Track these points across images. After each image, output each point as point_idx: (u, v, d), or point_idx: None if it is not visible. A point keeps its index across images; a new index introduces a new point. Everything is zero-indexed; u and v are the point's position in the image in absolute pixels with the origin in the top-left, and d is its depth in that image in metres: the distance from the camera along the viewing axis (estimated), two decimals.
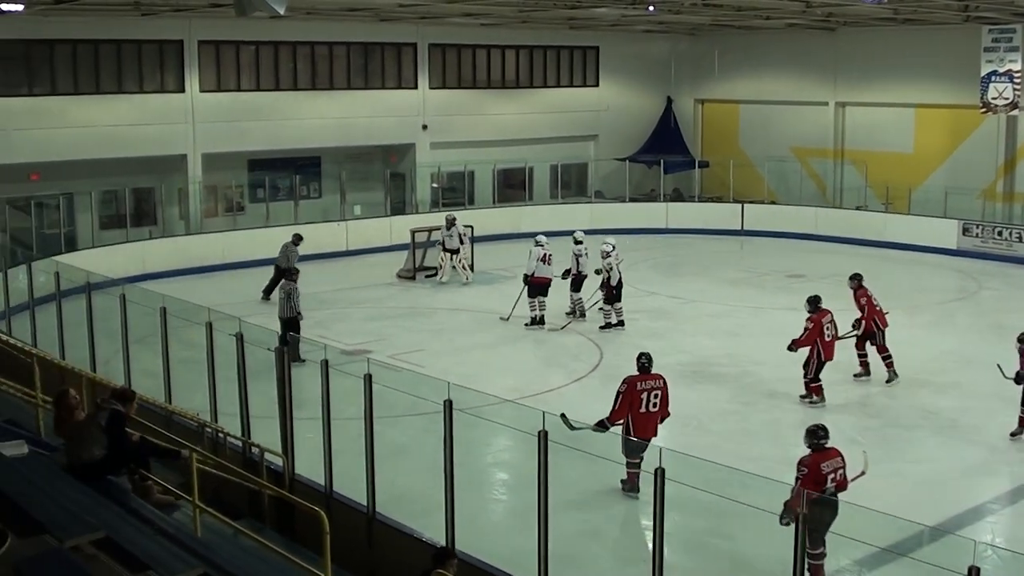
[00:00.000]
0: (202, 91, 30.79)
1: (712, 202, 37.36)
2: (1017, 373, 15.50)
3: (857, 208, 34.82)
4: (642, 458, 13.08)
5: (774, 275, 28.17)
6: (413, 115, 35.00)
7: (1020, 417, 15.63)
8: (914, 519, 11.37)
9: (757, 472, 11.32)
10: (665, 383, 13.76)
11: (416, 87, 35.10)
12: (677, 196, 38.62)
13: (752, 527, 11.48)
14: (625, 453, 13.27)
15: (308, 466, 12.47)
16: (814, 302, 17.38)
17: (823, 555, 10.57)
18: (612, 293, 21.79)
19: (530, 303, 22.23)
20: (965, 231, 31.26)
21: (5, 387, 13.46)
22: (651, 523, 8.87)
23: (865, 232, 32.88)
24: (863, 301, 18.33)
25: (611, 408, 13.53)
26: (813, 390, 17.27)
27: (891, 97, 35.01)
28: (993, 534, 12.87)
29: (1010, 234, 30.45)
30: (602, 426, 13.40)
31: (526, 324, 22.15)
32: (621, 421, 13.47)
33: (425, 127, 35.13)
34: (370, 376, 11.24)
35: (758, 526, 10.76)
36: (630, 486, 13.48)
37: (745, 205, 35.56)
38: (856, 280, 18.65)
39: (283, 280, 20.67)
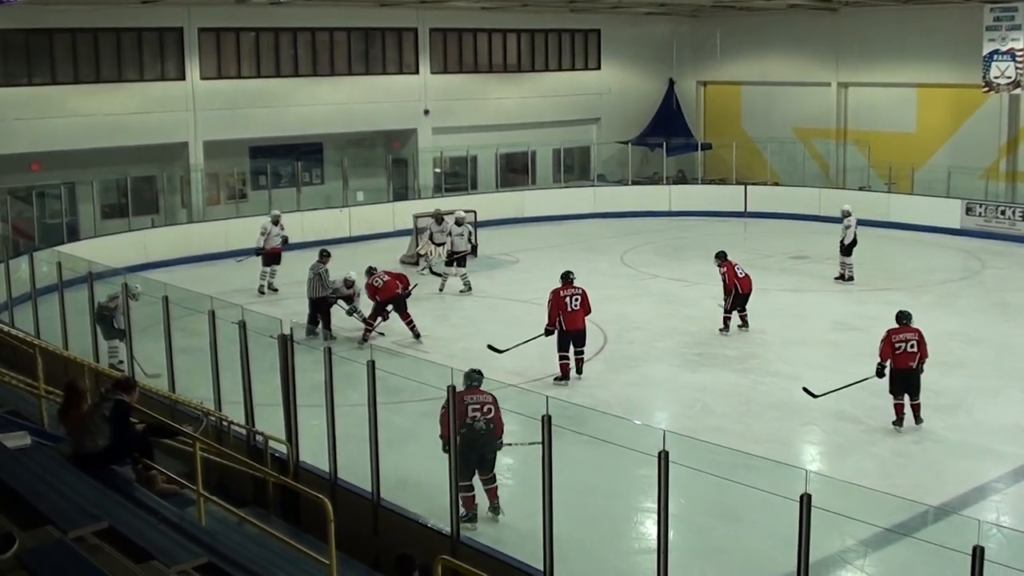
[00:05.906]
0: (203, 78, 30.71)
1: (715, 184, 37.27)
2: (879, 365, 15.33)
3: (860, 188, 34.73)
4: (567, 354, 17.61)
5: (778, 256, 28.10)
6: (415, 100, 34.90)
7: (895, 405, 15.33)
8: (918, 499, 11.38)
9: (762, 454, 11.34)
10: (584, 292, 17.86)
11: (417, 72, 34.99)
12: (680, 178, 38.55)
13: (758, 509, 11.46)
14: (558, 348, 17.64)
15: (312, 453, 12.46)
16: (721, 256, 20.83)
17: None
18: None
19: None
20: (968, 210, 31.17)
21: (8, 378, 13.46)
22: (656, 506, 8.85)
23: (868, 212, 32.62)
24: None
25: (547, 316, 17.78)
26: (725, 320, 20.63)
27: (893, 77, 34.87)
28: (998, 513, 12.85)
29: (1013, 213, 30.37)
30: (547, 332, 17.81)
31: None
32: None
33: (427, 112, 35.04)
34: (373, 362, 11.23)
35: (764, 508, 10.75)
36: (562, 375, 17.60)
37: (748, 187, 35.48)
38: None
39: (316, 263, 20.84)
